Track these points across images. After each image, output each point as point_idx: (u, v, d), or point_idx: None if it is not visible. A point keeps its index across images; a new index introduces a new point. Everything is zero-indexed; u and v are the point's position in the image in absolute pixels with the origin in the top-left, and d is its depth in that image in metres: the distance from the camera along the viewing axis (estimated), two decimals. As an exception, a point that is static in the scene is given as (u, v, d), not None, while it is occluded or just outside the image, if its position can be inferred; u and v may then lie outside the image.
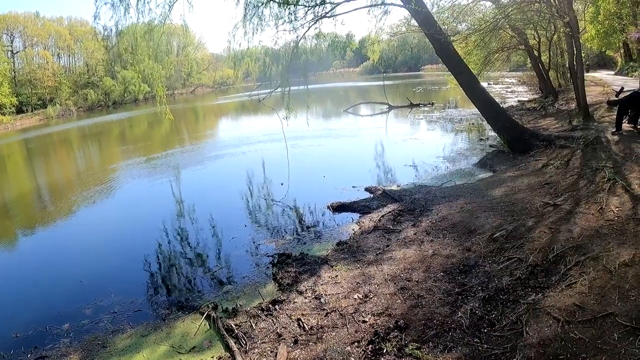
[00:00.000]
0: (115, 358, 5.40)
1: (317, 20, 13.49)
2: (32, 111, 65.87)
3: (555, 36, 23.49)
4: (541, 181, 9.56)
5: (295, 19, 13.29)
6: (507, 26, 20.19)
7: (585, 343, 4.01)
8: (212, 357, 5.14)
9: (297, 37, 13.63)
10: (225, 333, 5.48)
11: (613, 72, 33.11)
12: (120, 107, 72.52)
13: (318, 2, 13.42)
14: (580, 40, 15.40)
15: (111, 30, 12.11)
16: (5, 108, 59.74)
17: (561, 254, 5.73)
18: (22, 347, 5.84)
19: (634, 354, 3.73)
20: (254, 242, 8.89)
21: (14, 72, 68.29)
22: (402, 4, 13.81)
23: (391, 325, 5.02)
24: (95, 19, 12.06)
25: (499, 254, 6.39)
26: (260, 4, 13.28)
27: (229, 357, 5.05)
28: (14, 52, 69.68)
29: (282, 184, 12.96)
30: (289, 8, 13.27)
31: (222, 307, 6.29)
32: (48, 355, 5.61)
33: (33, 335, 6.15)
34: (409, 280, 6.11)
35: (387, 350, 4.56)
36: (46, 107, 66.55)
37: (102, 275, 8.07)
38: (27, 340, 6.03)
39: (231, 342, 5.24)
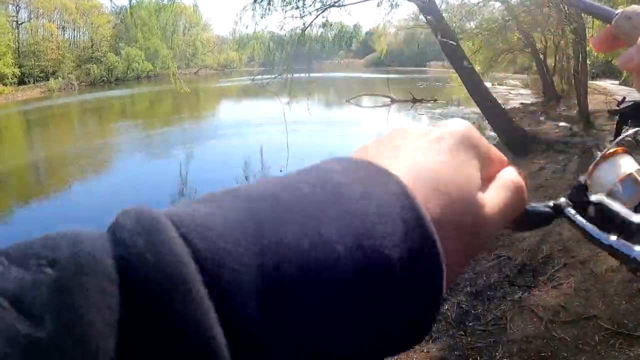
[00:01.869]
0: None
1: (325, 9, 13.47)
2: (34, 83, 65.41)
3: (562, 41, 23.43)
4: (536, 184, 9.62)
5: (304, 6, 13.29)
6: (515, 28, 20.15)
7: (567, 342, 4.09)
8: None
9: (303, 24, 13.64)
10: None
11: (618, 82, 33.07)
12: (123, 83, 72.08)
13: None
14: (587, 48, 15.38)
15: None
16: (8, 79, 59.31)
17: (550, 255, 5.81)
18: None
19: (613, 356, 3.81)
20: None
21: (18, 43, 67.72)
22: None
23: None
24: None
25: (489, 251, 6.46)
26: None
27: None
28: (19, 22, 69.08)
29: (280, 171, 12.98)
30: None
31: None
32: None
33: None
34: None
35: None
36: (48, 80, 66.04)
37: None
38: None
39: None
